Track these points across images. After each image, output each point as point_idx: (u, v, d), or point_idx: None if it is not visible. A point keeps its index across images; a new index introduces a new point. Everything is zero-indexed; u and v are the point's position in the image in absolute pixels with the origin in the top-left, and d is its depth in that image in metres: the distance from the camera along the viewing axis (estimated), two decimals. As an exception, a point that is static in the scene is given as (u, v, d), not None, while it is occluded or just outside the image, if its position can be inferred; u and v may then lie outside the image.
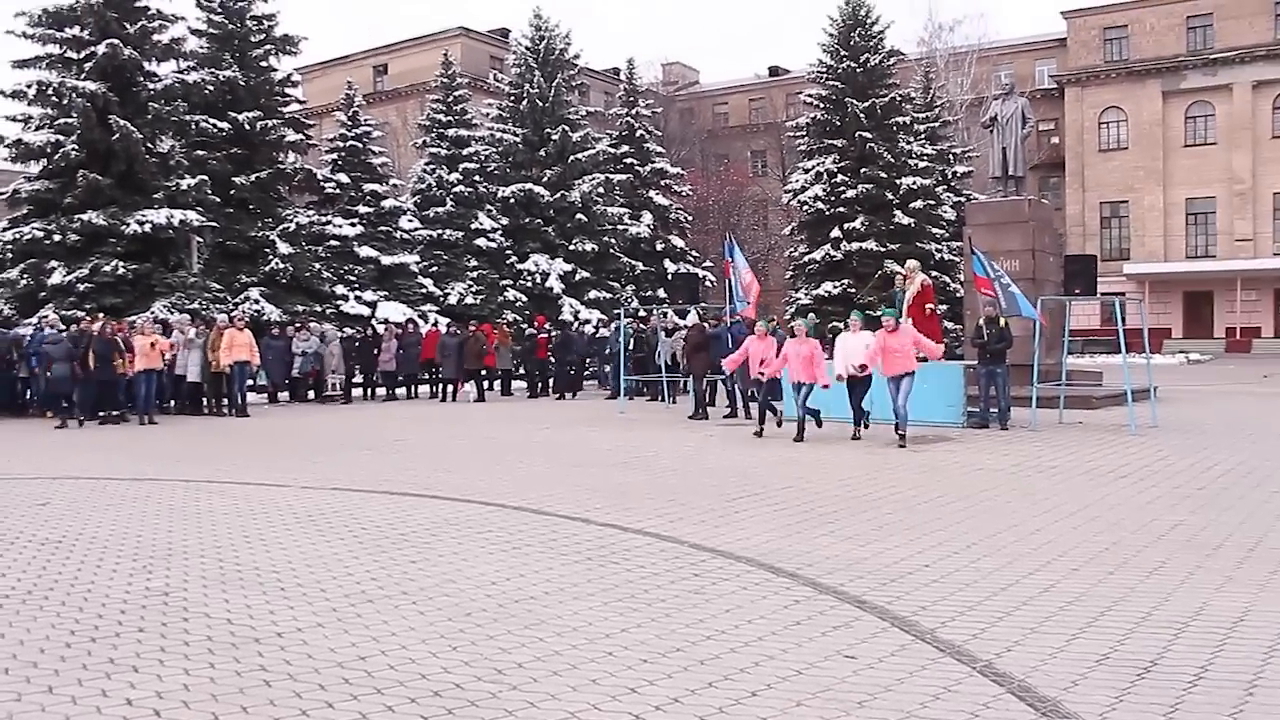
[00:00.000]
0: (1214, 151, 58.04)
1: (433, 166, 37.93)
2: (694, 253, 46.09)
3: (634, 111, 45.74)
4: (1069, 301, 19.98)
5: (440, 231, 36.60)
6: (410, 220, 35.55)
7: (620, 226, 41.22)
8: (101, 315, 22.13)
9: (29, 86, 26.61)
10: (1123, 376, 17.40)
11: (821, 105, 43.54)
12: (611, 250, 40.24)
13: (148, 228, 25.49)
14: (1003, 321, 16.84)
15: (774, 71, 73.15)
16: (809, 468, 12.50)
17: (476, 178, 38.08)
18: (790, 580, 6.87)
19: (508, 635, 5.64)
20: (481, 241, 37.17)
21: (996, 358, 16.69)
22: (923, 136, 45.29)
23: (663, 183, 46.29)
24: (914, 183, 41.83)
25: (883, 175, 41.41)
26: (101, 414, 20.21)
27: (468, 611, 6.11)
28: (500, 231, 37.99)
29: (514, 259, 38.29)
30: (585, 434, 16.92)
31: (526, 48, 41.26)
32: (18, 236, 26.03)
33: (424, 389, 27.80)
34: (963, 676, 4.92)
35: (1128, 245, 59.75)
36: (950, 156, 47.98)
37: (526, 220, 38.84)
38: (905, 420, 14.38)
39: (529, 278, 37.58)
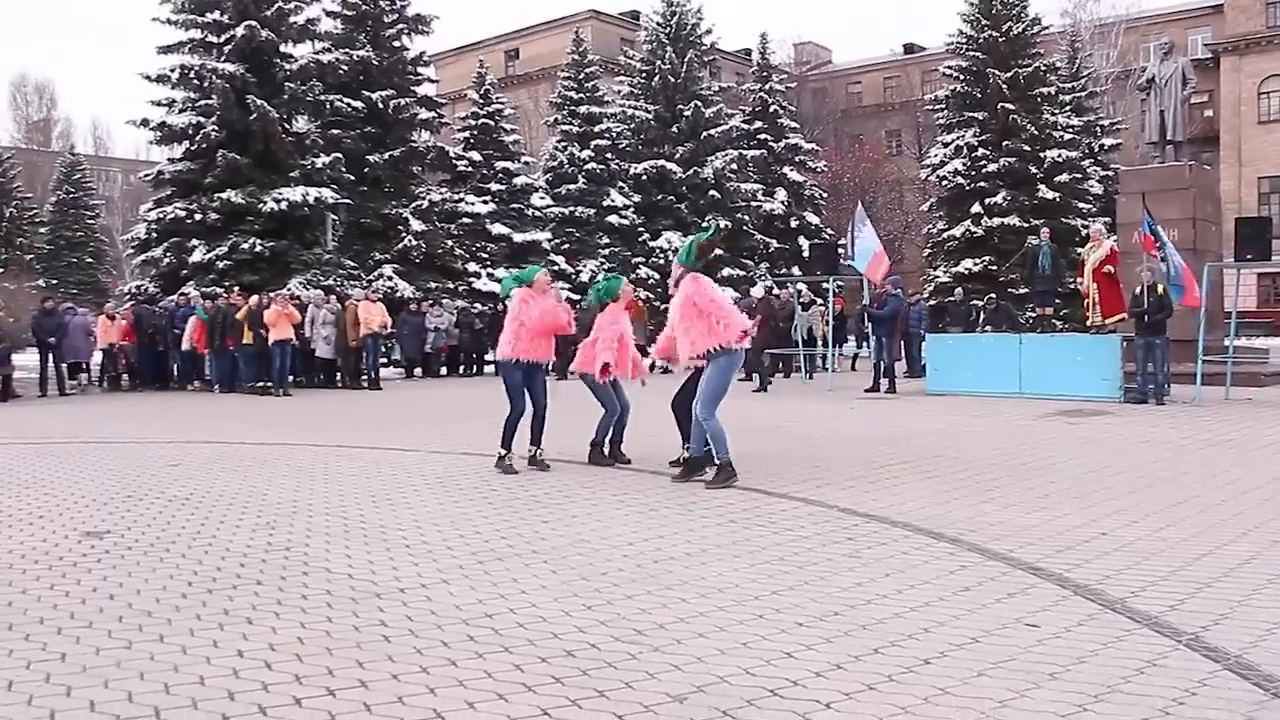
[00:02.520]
0: (1383, 120, 54.57)
1: (564, 144, 37.75)
2: (829, 230, 45.07)
3: (767, 86, 44.89)
4: (1239, 269, 18.65)
5: (572, 209, 36.41)
6: (542, 197, 35.43)
7: (754, 203, 40.48)
8: (240, 290, 22.42)
9: (172, 71, 27.16)
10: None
11: (961, 77, 42.05)
12: (745, 227, 39.57)
13: (284, 205, 25.78)
14: (1160, 289, 15.82)
15: (909, 49, 71.25)
16: (959, 437, 11.77)
17: (608, 155, 37.79)
18: (952, 545, 6.27)
19: (647, 595, 5.17)
20: (613, 219, 36.88)
21: (1155, 328, 15.69)
22: (1068, 108, 43.38)
23: (797, 159, 45.33)
24: (1059, 155, 40.11)
25: (1025, 148, 39.80)
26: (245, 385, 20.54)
27: (603, 571, 5.65)
28: (632, 209, 37.63)
29: (646, 236, 37.91)
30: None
31: (658, 24, 40.77)
32: (162, 216, 26.63)
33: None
34: (1167, 650, 4.26)
35: (1283, 218, 56.50)
36: (1097, 129, 45.92)
37: (659, 197, 38.40)
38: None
39: (661, 255, 37.15)
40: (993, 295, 26.42)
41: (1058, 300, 25.60)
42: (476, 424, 13.91)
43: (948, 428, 12.84)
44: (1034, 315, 21.64)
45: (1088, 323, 18.64)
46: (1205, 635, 4.43)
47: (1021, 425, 12.96)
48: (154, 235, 26.96)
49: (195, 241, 25.85)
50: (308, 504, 7.74)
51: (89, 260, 57.56)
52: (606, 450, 9.78)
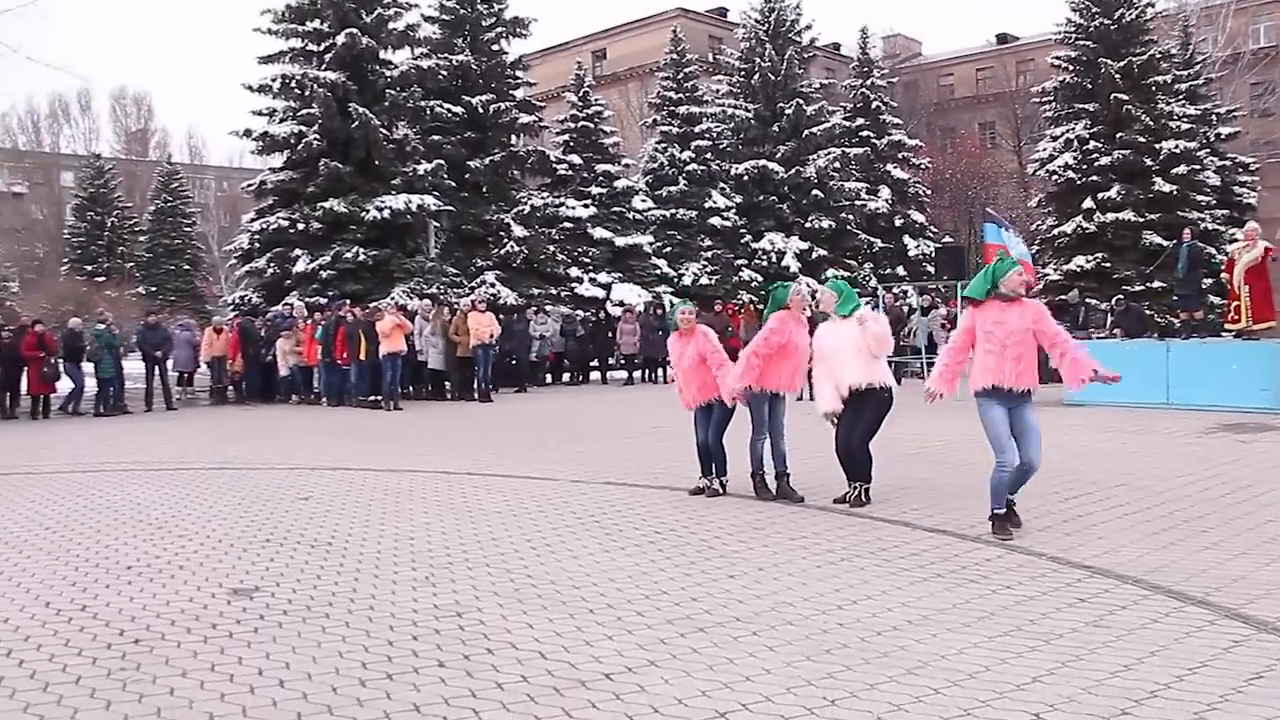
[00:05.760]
0: None
1: (664, 145, 36.96)
2: (933, 228, 43.84)
3: (869, 82, 43.71)
4: None
5: (673, 211, 35.60)
6: (643, 200, 34.67)
7: (858, 202, 39.39)
8: (345, 300, 22.07)
9: (274, 80, 26.91)
10: None
11: (1070, 68, 40.47)
12: (849, 227, 38.46)
13: (386, 213, 25.36)
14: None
15: (1002, 39, 69.37)
16: (1127, 459, 10.88)
17: (708, 155, 36.90)
18: (1207, 610, 5.44)
19: (891, 683, 4.43)
20: (715, 220, 36.00)
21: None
22: (1182, 97, 41.59)
23: (900, 155, 44.10)
24: (1176, 146, 38.32)
25: (1140, 140, 38.07)
26: (356, 399, 20.19)
27: (826, 648, 4.91)
28: (734, 210, 36.74)
29: (748, 237, 36.99)
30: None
31: (756, 20, 39.85)
32: (265, 226, 26.40)
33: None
34: None
35: None
36: (1212, 117, 44.00)
37: (760, 198, 37.46)
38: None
39: (764, 256, 36.23)
40: (1120, 296, 25.23)
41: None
42: (603, 444, 13.30)
43: (1108, 447, 11.94)
44: (1181, 318, 20.38)
45: (1229, 326, 17.45)
46: None
47: (1187, 444, 12.00)
48: (257, 245, 26.74)
49: (298, 251, 25.56)
50: (462, 551, 7.10)
51: (186, 267, 58.09)
52: (770, 482, 9.00)
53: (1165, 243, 37.39)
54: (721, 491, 9.11)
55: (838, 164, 38.43)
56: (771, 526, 7.75)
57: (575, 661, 4.74)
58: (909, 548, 6.96)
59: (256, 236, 26.67)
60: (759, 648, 4.92)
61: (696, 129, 37.12)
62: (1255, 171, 43.95)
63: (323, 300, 23.95)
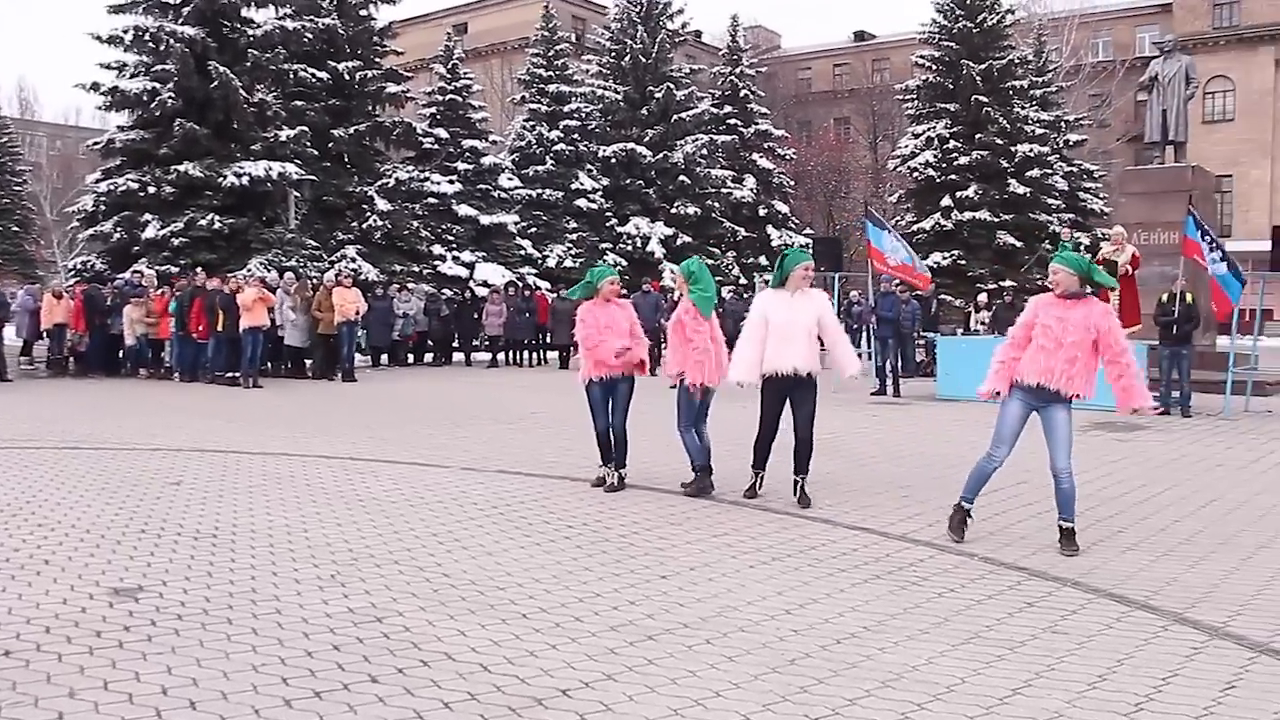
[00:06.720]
0: (1328, 123, 54.93)
1: (532, 123, 36.35)
2: (795, 219, 44.23)
3: (738, 70, 43.79)
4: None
5: (540, 191, 35.03)
6: (509, 179, 33.99)
7: (724, 190, 39.42)
8: (201, 270, 20.91)
9: (125, 32, 25.28)
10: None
11: (934, 67, 41.35)
12: (714, 215, 38.51)
13: (245, 180, 24.19)
14: (1189, 298, 15.19)
15: (860, 36, 70.65)
16: (1023, 457, 10.82)
17: (576, 136, 36.43)
18: (1156, 615, 5.36)
19: (870, 698, 4.16)
20: (582, 202, 35.57)
21: (1182, 338, 15.06)
22: (1035, 103, 42.93)
23: (766, 145, 44.35)
24: (1030, 150, 39.61)
25: (997, 142, 39.22)
26: (211, 374, 19.16)
27: (789, 658, 4.58)
28: (600, 192, 36.34)
29: (614, 221, 36.69)
30: (735, 409, 15.21)
31: (629, 2, 39.48)
32: (111, 188, 24.87)
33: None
34: None
35: (1229, 222, 56.52)
36: (1062, 124, 45.56)
37: (627, 181, 37.19)
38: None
39: (629, 241, 36.00)
40: (1008, 292, 25.78)
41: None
42: (485, 429, 12.79)
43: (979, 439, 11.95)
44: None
45: None
46: None
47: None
48: (102, 208, 25.21)
49: (148, 216, 24.17)
50: (364, 546, 6.55)
51: (15, 229, 54.70)
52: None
53: (1017, 243, 38.61)
54: (619, 486, 8.64)
55: (705, 151, 38.43)
56: (689, 522, 7.40)
57: (523, 675, 4.29)
58: (836, 546, 6.70)
59: (102, 199, 25.15)
60: (717, 658, 4.55)
61: (566, 108, 36.63)
62: (1098, 179, 45.73)
63: (174, 269, 22.70)
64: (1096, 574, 6.13)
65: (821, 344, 8.09)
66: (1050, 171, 41.35)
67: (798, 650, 4.68)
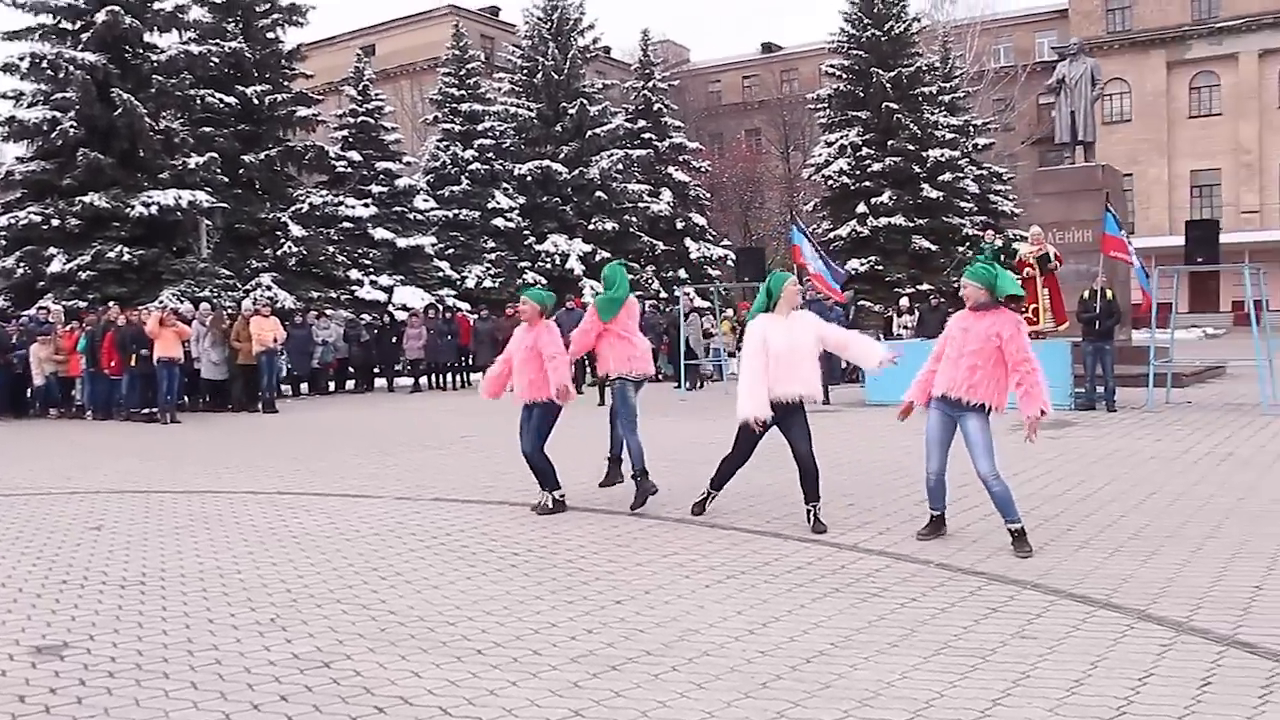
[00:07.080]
0: (1219, 122, 56.43)
1: (446, 143, 35.96)
2: (713, 231, 44.31)
3: (650, 84, 43.80)
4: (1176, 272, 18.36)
5: (456, 212, 34.62)
6: (425, 200, 33.55)
7: (640, 204, 39.36)
8: (113, 304, 20.25)
9: (22, 59, 24.48)
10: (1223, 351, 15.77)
11: (844, 76, 41.76)
12: (632, 229, 38.42)
13: (154, 210, 23.56)
14: (1110, 294, 15.47)
15: (767, 48, 71.23)
16: (958, 459, 10.87)
17: (491, 155, 36.10)
18: (1119, 614, 5.33)
19: (848, 718, 3.98)
20: (499, 222, 35.21)
21: (1105, 334, 15.32)
22: (944, 108, 43.60)
23: (681, 158, 44.38)
24: (941, 155, 40.18)
25: (909, 148, 39.72)
26: (126, 411, 18.55)
27: (761, 681, 4.42)
28: (517, 211, 36.03)
29: (532, 240, 36.41)
30: (664, 423, 15.08)
31: (539, 18, 39.31)
32: (13, 221, 24.03)
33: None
34: None
35: (1132, 219, 57.97)
36: (970, 128, 46.33)
37: (544, 199, 36.95)
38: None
39: (548, 259, 35.72)
40: (936, 295, 26.01)
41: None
42: (415, 456, 12.48)
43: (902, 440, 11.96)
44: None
45: (1029, 327, 18.01)
46: None
47: (1002, 441, 12.08)
48: (3, 243, 24.38)
49: (53, 250, 23.42)
50: (302, 585, 6.26)
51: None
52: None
53: (933, 247, 39.12)
54: (554, 508, 8.39)
55: (620, 166, 38.35)
56: (636, 542, 7.22)
57: (486, 717, 4.08)
58: (789, 560, 6.57)
59: (3, 233, 24.29)
60: (686, 686, 4.37)
61: (479, 127, 36.34)
62: (1007, 181, 46.58)
63: (82, 304, 21.99)
64: (1054, 574, 6.08)
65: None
66: (961, 175, 41.98)
67: (768, 672, 4.52)
